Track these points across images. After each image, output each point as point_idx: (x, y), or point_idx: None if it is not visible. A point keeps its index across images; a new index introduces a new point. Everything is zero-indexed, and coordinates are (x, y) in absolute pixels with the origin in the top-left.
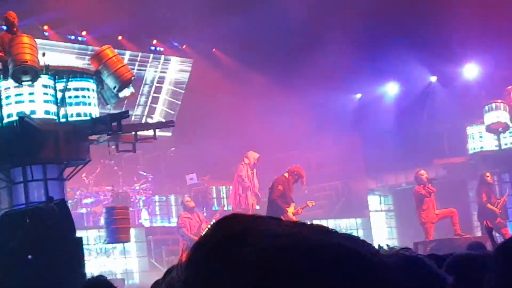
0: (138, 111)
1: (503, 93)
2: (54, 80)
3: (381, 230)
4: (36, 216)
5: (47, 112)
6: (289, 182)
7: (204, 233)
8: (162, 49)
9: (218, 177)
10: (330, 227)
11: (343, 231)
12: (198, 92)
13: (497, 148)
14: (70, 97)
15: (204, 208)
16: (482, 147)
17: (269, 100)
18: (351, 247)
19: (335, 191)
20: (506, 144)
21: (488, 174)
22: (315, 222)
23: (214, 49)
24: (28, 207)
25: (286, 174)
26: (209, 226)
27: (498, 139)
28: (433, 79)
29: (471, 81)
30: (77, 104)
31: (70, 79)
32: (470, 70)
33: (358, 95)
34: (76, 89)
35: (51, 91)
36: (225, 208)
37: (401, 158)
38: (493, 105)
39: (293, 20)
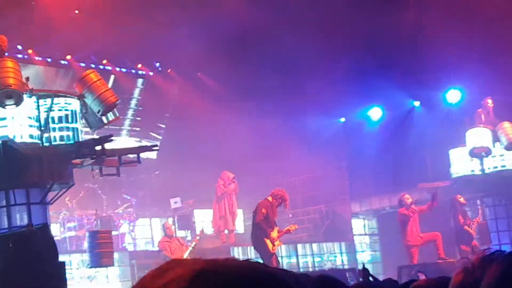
0: (122, 134)
1: (474, 115)
2: (38, 103)
3: (365, 254)
4: (19, 240)
5: (30, 136)
6: (272, 206)
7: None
8: (146, 73)
9: (202, 201)
10: (315, 250)
11: (327, 255)
12: (183, 116)
13: (480, 172)
14: (53, 120)
15: (189, 232)
16: (465, 172)
17: (254, 124)
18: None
19: (319, 215)
20: (489, 168)
21: (459, 196)
22: (299, 246)
23: (199, 74)
24: (11, 232)
25: (270, 198)
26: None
27: (481, 164)
28: (417, 103)
29: (454, 105)
30: (61, 128)
31: (54, 103)
32: (453, 95)
33: (342, 119)
34: (60, 113)
35: (35, 115)
36: (205, 232)
37: (385, 182)
38: (476, 129)
39: (278, 45)
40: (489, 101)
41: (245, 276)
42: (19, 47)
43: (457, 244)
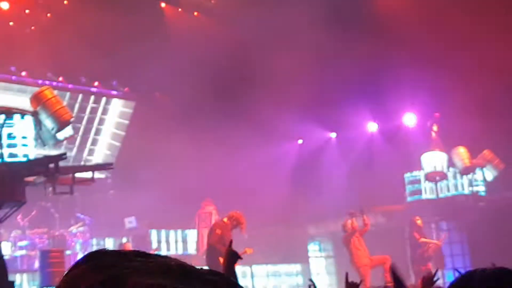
0: (76, 153)
1: (429, 139)
2: None
3: (321, 276)
4: None
5: None
6: (227, 227)
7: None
8: (103, 91)
9: (157, 221)
10: (270, 272)
11: (283, 277)
12: (139, 135)
13: (435, 196)
14: (6, 137)
15: None
16: (420, 195)
17: (211, 145)
18: None
19: (275, 237)
20: (443, 193)
21: (417, 217)
22: (254, 267)
23: (156, 93)
24: None
25: (225, 219)
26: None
27: (436, 188)
28: (373, 127)
29: (410, 129)
30: (13, 145)
31: (7, 119)
32: (409, 119)
33: (300, 141)
34: (12, 130)
35: None
36: (159, 252)
37: (341, 204)
38: (431, 153)
39: (235, 66)
40: (434, 125)
41: None
42: None
43: (412, 264)
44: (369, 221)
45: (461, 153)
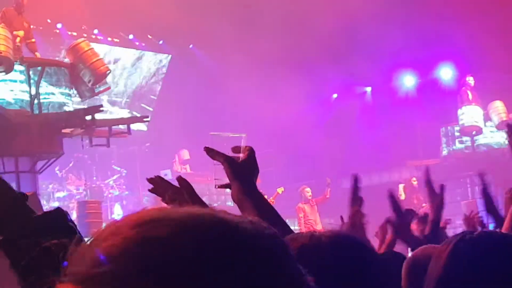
0: (112, 105)
1: (461, 93)
2: (28, 71)
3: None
4: None
5: (20, 104)
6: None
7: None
8: (138, 43)
9: (193, 173)
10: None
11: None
12: (175, 88)
13: (471, 150)
14: (43, 89)
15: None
16: (456, 149)
17: (246, 99)
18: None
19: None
20: (479, 147)
21: (414, 178)
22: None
23: (191, 45)
24: None
25: None
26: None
27: (472, 142)
28: (408, 80)
29: (446, 83)
30: (51, 96)
31: (45, 72)
32: (446, 72)
33: (334, 95)
34: (50, 82)
35: (25, 83)
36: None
37: (375, 158)
38: (467, 107)
39: (271, 20)
40: (470, 78)
41: (198, 224)
42: None
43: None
44: (329, 195)
45: (498, 107)
